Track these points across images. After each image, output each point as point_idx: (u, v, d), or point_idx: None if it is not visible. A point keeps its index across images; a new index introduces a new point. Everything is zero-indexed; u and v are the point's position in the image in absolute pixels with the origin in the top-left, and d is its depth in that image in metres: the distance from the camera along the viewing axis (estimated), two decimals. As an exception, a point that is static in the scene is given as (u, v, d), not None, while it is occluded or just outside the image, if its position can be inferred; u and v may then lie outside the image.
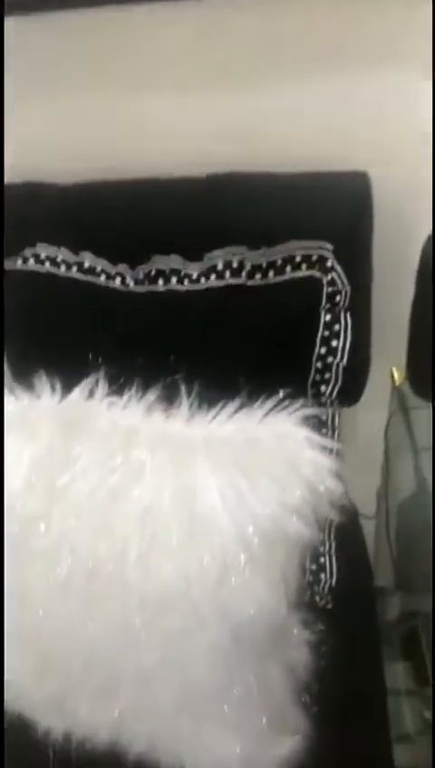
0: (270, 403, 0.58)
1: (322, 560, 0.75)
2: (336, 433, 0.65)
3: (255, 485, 0.53)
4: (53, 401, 0.63)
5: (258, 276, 0.68)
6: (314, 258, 0.68)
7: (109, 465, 0.56)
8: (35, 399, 0.63)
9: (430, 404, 0.73)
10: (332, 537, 0.72)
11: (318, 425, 0.58)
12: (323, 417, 0.63)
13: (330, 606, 0.75)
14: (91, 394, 0.64)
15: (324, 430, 0.62)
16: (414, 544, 0.93)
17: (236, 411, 0.59)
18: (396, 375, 0.80)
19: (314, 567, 0.77)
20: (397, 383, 0.79)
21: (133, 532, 0.53)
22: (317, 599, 0.75)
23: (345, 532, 0.80)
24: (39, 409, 0.62)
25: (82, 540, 0.55)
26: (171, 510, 0.53)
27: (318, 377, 0.70)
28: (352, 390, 0.75)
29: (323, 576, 0.77)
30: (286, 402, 0.59)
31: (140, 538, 0.53)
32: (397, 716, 0.93)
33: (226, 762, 0.61)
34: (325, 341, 0.69)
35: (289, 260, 0.68)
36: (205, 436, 0.57)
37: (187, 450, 0.56)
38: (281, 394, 0.59)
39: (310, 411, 0.56)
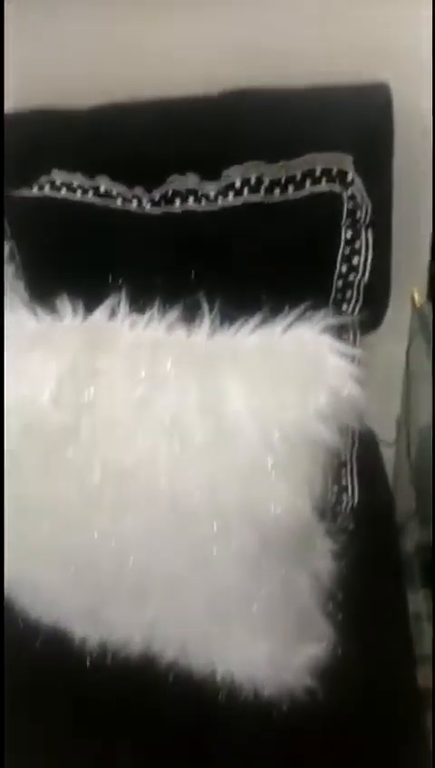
0: (292, 316, 0.58)
1: (344, 481, 0.76)
2: (358, 343, 0.65)
3: (278, 392, 0.53)
4: (75, 321, 0.63)
5: (277, 192, 0.67)
6: (335, 172, 0.66)
7: (134, 378, 0.56)
8: (58, 320, 0.64)
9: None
10: (354, 457, 0.73)
11: (340, 334, 0.58)
12: (346, 328, 0.63)
13: (352, 526, 0.77)
14: (112, 314, 0.64)
15: (346, 337, 0.62)
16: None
17: (257, 326, 0.59)
18: (417, 296, 0.79)
19: (335, 488, 0.78)
20: (417, 305, 0.79)
21: (160, 441, 0.54)
22: (340, 519, 0.77)
23: (366, 458, 0.81)
24: (62, 328, 0.62)
25: (111, 450, 0.56)
26: (197, 418, 0.54)
27: (339, 296, 0.70)
28: (373, 312, 0.75)
29: (344, 497, 0.78)
30: (308, 314, 0.59)
31: (167, 446, 0.54)
32: (417, 638, 0.96)
33: (254, 664, 0.64)
34: (346, 259, 0.69)
35: (309, 174, 0.66)
36: (228, 348, 0.57)
37: (210, 361, 0.56)
38: (302, 307, 0.59)
39: (332, 321, 0.56)
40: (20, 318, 0.64)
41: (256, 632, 0.62)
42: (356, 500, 0.77)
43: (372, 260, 0.70)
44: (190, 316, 0.62)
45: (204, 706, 0.66)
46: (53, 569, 0.64)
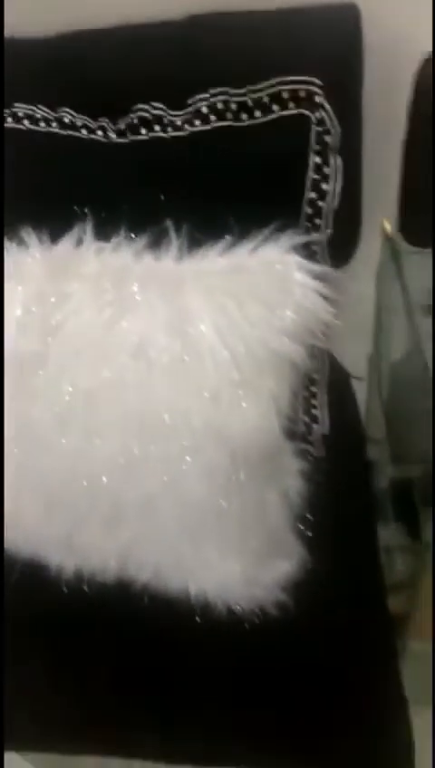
0: (260, 237, 0.58)
1: (314, 408, 0.77)
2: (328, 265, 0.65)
3: (245, 310, 0.54)
4: (41, 250, 0.63)
5: (245, 117, 0.66)
6: (302, 95, 0.66)
7: (101, 301, 0.56)
8: (24, 249, 0.63)
9: (424, 250, 0.73)
10: (324, 382, 0.74)
11: (309, 254, 0.58)
12: (315, 253, 0.63)
13: (323, 454, 0.79)
14: (79, 242, 0.63)
15: (316, 259, 0.62)
16: (407, 408, 0.96)
17: (225, 249, 0.59)
18: (387, 226, 0.79)
19: (306, 415, 0.80)
20: (388, 234, 0.79)
21: (128, 363, 0.55)
22: (310, 445, 0.78)
23: (337, 389, 0.83)
24: (28, 257, 0.62)
25: (79, 374, 0.56)
26: (164, 339, 0.54)
27: (308, 223, 0.70)
28: (345, 244, 0.75)
29: (315, 424, 0.79)
30: (276, 236, 0.59)
31: (135, 368, 0.55)
32: (388, 567, 0.99)
33: (227, 581, 0.66)
34: (315, 185, 0.68)
35: (275, 97, 0.65)
36: (195, 270, 0.57)
37: (177, 283, 0.56)
38: (270, 228, 0.59)
39: (300, 239, 0.56)
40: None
41: (228, 550, 0.64)
42: (328, 428, 0.79)
43: (342, 187, 0.70)
44: (158, 242, 0.62)
45: (179, 626, 0.69)
46: (26, 496, 0.64)
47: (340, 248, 0.74)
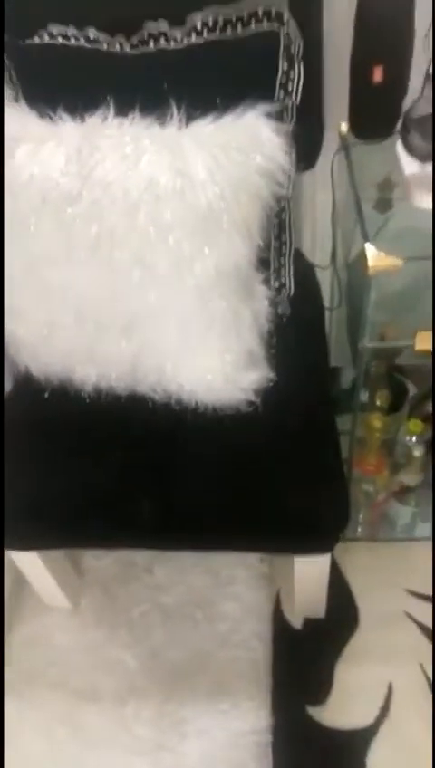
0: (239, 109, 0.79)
1: (283, 279, 0.99)
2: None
3: (228, 156, 0.75)
4: (75, 122, 0.83)
5: (229, 30, 0.87)
6: (273, 14, 0.87)
7: (122, 152, 0.77)
8: (61, 122, 0.83)
9: (367, 143, 0.94)
10: (288, 222, 0.94)
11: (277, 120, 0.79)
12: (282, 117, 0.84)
13: (289, 312, 1.00)
14: (104, 119, 0.84)
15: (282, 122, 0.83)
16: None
17: (214, 119, 0.80)
18: (343, 127, 1.00)
19: (277, 285, 1.01)
20: (343, 133, 1.00)
21: (142, 195, 0.76)
22: (278, 308, 1.00)
23: (302, 274, 1.04)
24: (66, 126, 0.82)
25: (106, 203, 0.77)
26: (169, 177, 0.75)
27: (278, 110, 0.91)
28: (309, 147, 0.96)
29: (283, 291, 1.01)
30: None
31: (147, 198, 0.76)
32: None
33: (214, 384, 0.87)
34: (283, 86, 0.89)
35: (253, 15, 0.87)
36: (191, 132, 0.78)
37: (178, 141, 0.77)
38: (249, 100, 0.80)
39: (271, 107, 0.77)
40: (26, 121, 0.83)
41: (214, 357, 0.85)
42: (292, 290, 1.00)
43: (306, 93, 0.91)
44: (163, 118, 0.83)
45: (175, 424, 0.90)
46: (62, 312, 0.85)
47: (306, 150, 0.96)
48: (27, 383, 0.97)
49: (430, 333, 0.86)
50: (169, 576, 1.24)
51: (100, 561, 1.28)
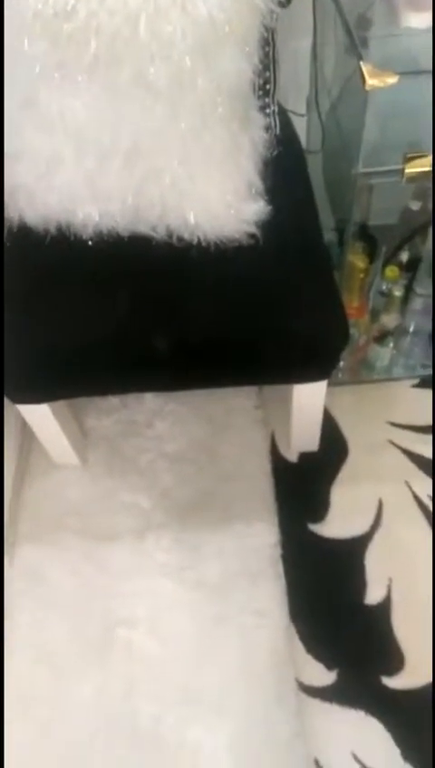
0: None
1: (268, 119, 0.99)
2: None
3: None
4: None
5: None
6: None
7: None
8: None
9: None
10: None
11: None
12: None
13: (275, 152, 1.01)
14: None
15: None
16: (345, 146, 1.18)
17: None
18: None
19: (265, 137, 1.01)
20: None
21: (141, 4, 0.74)
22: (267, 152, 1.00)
23: (281, 119, 1.05)
24: None
25: (102, 20, 0.75)
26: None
27: None
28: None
29: (269, 131, 1.02)
30: None
31: (148, 8, 0.74)
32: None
33: (219, 214, 0.89)
34: None
35: None
36: None
37: None
38: None
39: None
40: None
41: (216, 186, 0.87)
42: (277, 129, 1.01)
43: None
44: None
45: (179, 260, 0.92)
46: (62, 141, 0.84)
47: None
48: (24, 234, 0.96)
49: (423, 157, 0.90)
50: (169, 428, 1.31)
51: (101, 422, 1.33)
